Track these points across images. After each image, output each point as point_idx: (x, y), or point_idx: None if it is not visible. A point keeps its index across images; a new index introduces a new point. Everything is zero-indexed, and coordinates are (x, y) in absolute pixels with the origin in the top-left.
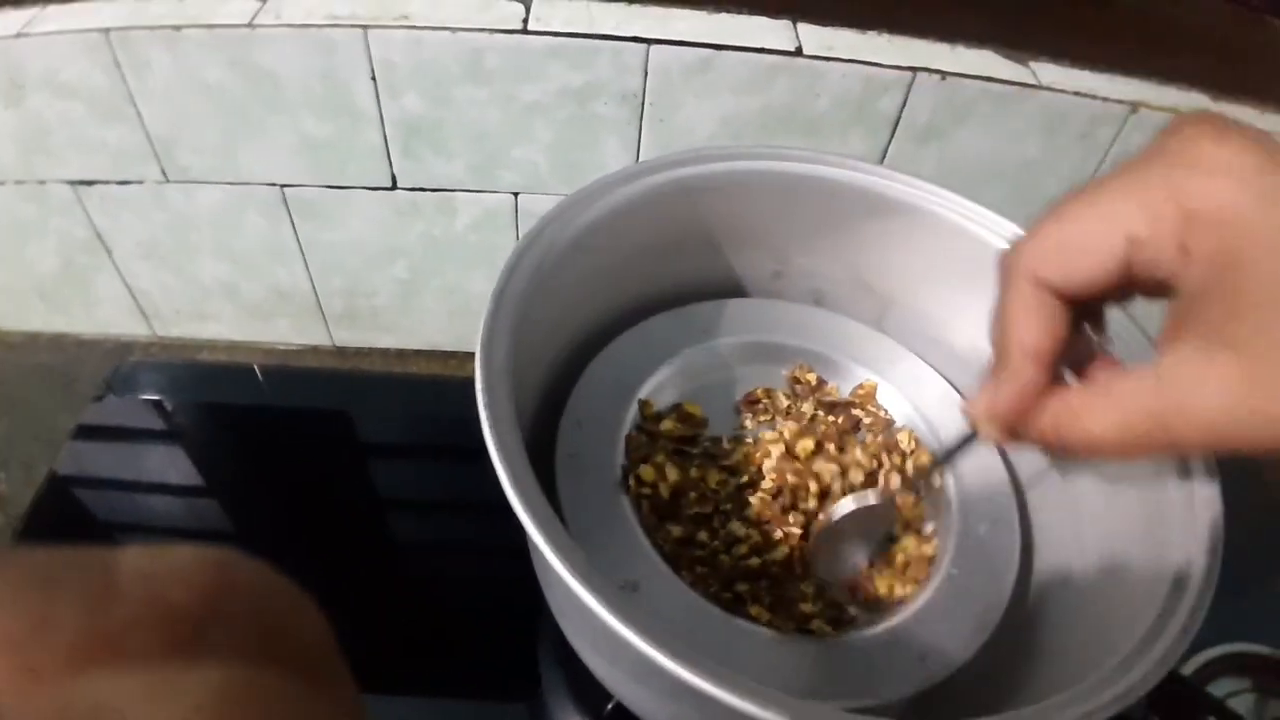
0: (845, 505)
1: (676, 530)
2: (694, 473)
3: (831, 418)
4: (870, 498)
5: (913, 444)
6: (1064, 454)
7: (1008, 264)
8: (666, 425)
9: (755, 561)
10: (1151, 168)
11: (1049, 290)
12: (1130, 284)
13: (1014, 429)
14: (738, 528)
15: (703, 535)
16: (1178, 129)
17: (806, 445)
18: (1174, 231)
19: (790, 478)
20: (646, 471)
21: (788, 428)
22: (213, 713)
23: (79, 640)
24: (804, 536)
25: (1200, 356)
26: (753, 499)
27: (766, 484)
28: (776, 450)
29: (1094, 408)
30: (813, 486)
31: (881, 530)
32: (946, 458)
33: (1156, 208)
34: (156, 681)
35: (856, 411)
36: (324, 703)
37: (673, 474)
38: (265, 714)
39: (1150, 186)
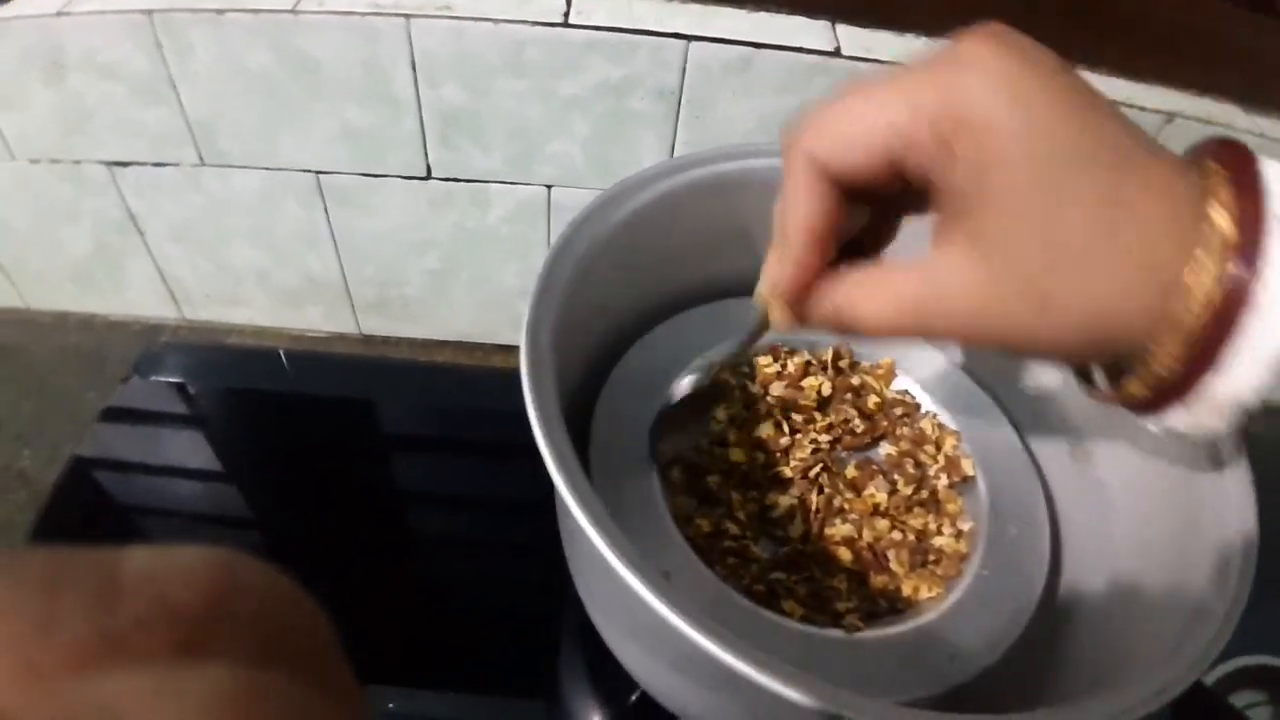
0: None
1: (705, 524)
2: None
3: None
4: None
5: (936, 431)
6: (844, 334)
7: (787, 141)
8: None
9: (786, 549)
10: (928, 66)
11: (823, 171)
12: (903, 178)
13: (799, 311)
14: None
15: (733, 527)
16: (962, 34)
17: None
18: (935, 127)
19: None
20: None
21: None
22: (216, 714)
23: (84, 640)
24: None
25: (958, 254)
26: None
27: (793, 490)
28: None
29: (869, 295)
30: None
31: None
32: (745, 348)
33: (921, 101)
34: (161, 682)
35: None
36: (327, 704)
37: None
38: (268, 715)
39: (920, 82)
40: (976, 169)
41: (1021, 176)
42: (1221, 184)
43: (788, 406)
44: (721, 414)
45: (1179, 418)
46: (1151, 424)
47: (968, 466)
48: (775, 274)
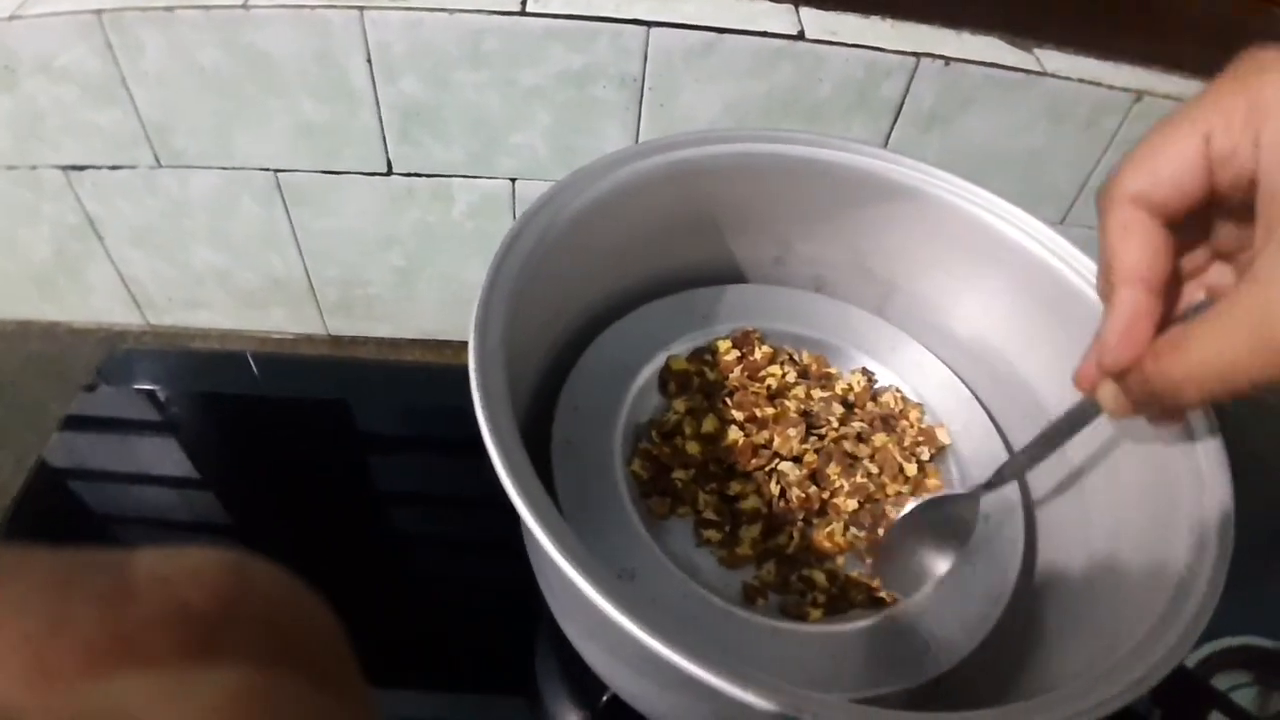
0: (907, 506)
1: (672, 519)
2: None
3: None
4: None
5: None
6: (1167, 404)
7: (1103, 194)
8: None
9: (755, 543)
10: (1223, 80)
11: (1144, 207)
12: (1220, 188)
13: (1135, 390)
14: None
15: (701, 521)
16: (1245, 54)
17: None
18: (1245, 123)
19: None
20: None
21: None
22: (227, 714)
23: (94, 641)
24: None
25: None
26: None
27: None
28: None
29: (1194, 332)
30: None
31: (958, 527)
32: (1059, 440)
33: (1228, 105)
34: (171, 683)
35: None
36: (338, 705)
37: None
38: (279, 716)
39: (1222, 92)
40: None
41: None
42: None
43: (746, 395)
44: (680, 406)
45: None
46: None
47: (943, 435)
48: (1103, 341)
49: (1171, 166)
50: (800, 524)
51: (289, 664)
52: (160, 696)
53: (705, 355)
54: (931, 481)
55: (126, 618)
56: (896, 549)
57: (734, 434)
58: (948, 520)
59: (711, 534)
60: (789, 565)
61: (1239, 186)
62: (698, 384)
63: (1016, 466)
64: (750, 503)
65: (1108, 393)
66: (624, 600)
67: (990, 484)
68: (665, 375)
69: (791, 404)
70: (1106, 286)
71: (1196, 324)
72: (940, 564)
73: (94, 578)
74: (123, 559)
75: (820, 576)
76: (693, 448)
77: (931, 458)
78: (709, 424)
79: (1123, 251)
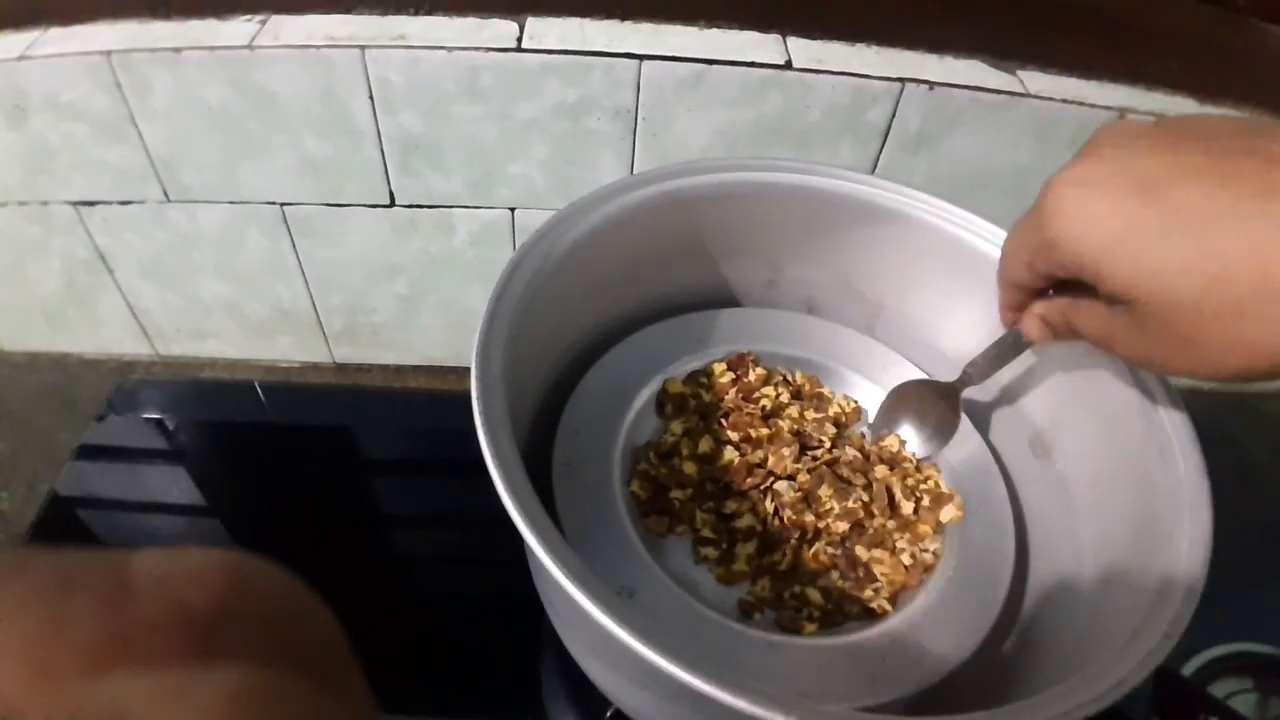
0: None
1: (669, 538)
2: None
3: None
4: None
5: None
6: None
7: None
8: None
9: (750, 560)
10: (1035, 211)
11: (1011, 282)
12: (1060, 278)
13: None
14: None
15: (698, 539)
16: (1063, 171)
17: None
18: (1050, 252)
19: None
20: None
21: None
22: (226, 715)
23: (95, 641)
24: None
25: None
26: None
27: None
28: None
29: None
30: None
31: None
32: (1012, 352)
33: (1034, 241)
34: (171, 683)
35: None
36: (337, 704)
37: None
38: (278, 715)
39: (1034, 225)
40: (1091, 278)
41: (1120, 282)
42: None
43: (740, 416)
44: (677, 427)
45: None
46: None
47: (952, 509)
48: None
49: (1016, 274)
50: (794, 542)
51: (288, 663)
52: (160, 696)
53: (701, 378)
54: (923, 528)
55: (126, 618)
56: (885, 412)
57: (729, 454)
58: (933, 406)
59: (709, 551)
60: (783, 581)
61: (1069, 275)
62: (694, 406)
63: (981, 368)
64: (745, 521)
65: (1030, 325)
66: (625, 616)
67: (962, 381)
68: (662, 398)
69: (785, 424)
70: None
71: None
72: (925, 447)
73: (94, 578)
74: (122, 560)
75: (815, 593)
76: (689, 468)
77: (930, 505)
78: (705, 444)
79: (1000, 297)
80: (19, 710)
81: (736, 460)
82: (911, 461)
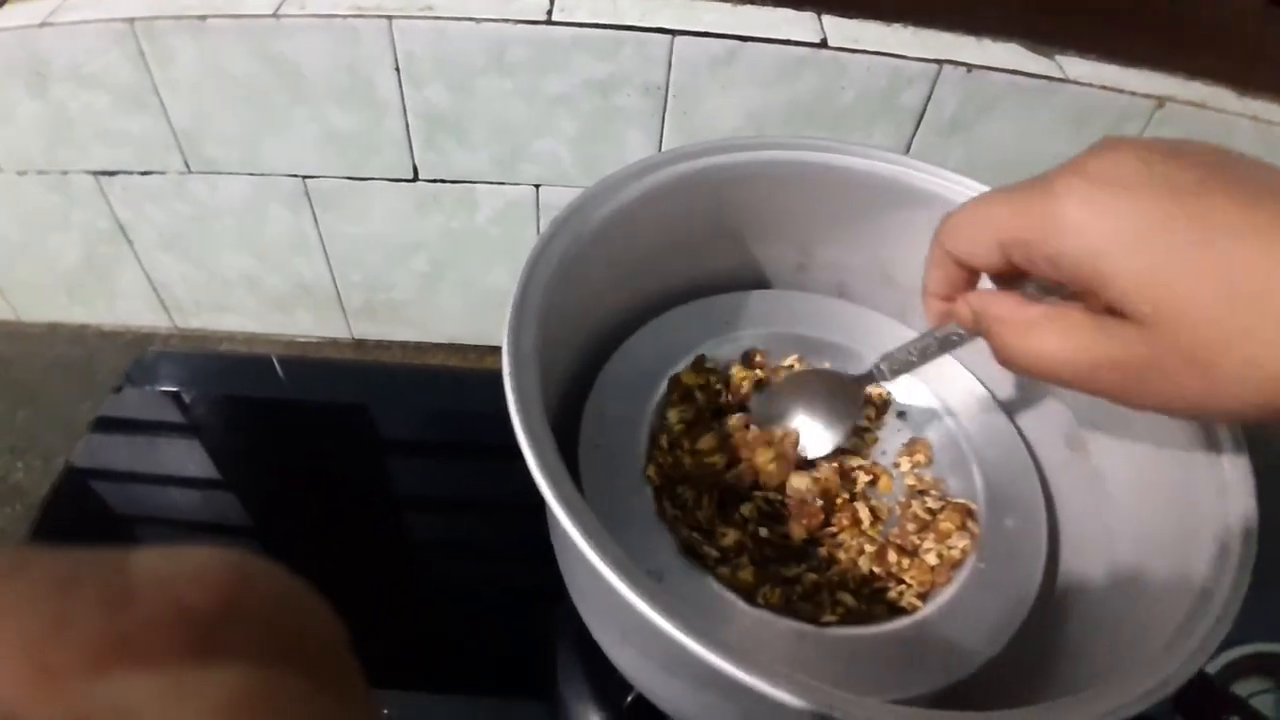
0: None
1: (689, 526)
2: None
3: None
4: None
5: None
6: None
7: (938, 228)
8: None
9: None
10: (1032, 191)
11: (952, 258)
12: (1024, 275)
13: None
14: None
15: (731, 533)
16: (1063, 168)
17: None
18: (1038, 248)
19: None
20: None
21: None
22: (228, 715)
23: (96, 641)
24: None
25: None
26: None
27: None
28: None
29: (1048, 330)
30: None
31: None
32: (931, 352)
33: (1027, 225)
34: (172, 683)
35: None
36: (337, 705)
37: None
38: (279, 715)
39: (1030, 209)
40: (1091, 282)
41: (1132, 289)
42: None
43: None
44: (674, 415)
45: None
46: None
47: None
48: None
49: (974, 253)
50: (811, 560)
51: (289, 664)
52: (161, 696)
53: (714, 373)
54: (946, 525)
55: (127, 618)
56: (776, 399)
57: (718, 457)
58: (833, 397)
59: (708, 550)
60: (793, 585)
61: (1040, 276)
62: (701, 399)
63: (895, 364)
64: (731, 538)
65: (964, 315)
66: (662, 602)
67: (869, 376)
68: (672, 385)
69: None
70: (924, 281)
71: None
72: (816, 442)
73: (95, 578)
74: (123, 559)
75: (846, 596)
76: (688, 461)
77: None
78: (705, 442)
79: (929, 277)
80: (19, 710)
81: (721, 462)
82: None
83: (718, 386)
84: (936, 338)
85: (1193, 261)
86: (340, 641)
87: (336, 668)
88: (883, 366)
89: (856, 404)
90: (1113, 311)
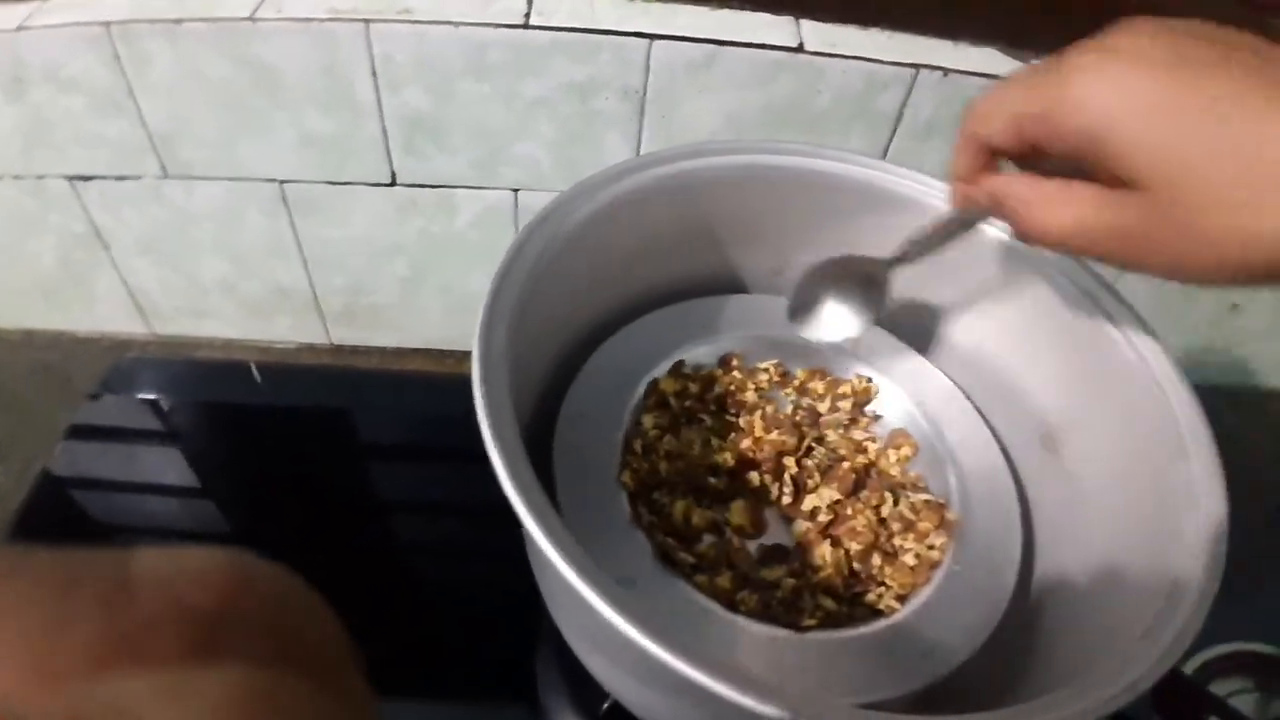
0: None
1: (663, 531)
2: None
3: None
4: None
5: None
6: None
7: (964, 111)
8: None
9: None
10: (1048, 69)
11: (975, 137)
12: (1040, 151)
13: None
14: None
15: (709, 539)
16: (1093, 39)
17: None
18: (1052, 121)
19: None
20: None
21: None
22: (228, 714)
23: (96, 641)
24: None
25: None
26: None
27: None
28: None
29: (1057, 200)
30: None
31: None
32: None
33: (1042, 98)
34: (172, 682)
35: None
36: (337, 704)
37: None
38: (279, 715)
39: (1046, 84)
40: (1103, 153)
41: (1142, 156)
42: None
43: (721, 407)
44: (649, 420)
45: None
46: None
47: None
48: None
49: (993, 130)
50: (794, 564)
51: (290, 663)
52: (161, 696)
53: (692, 379)
54: (924, 525)
55: (128, 618)
56: (808, 294)
57: (699, 450)
58: (861, 281)
59: (683, 556)
60: (772, 590)
61: (1056, 151)
62: (675, 405)
63: (921, 246)
64: (708, 543)
65: (978, 198)
66: (629, 610)
67: (899, 259)
68: (649, 390)
69: (773, 411)
70: (951, 166)
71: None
72: (850, 323)
73: (95, 578)
74: (124, 559)
75: (827, 600)
76: (665, 466)
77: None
78: (671, 444)
79: (954, 162)
80: (20, 709)
81: (703, 453)
82: (900, 472)
83: (695, 389)
84: (960, 219)
85: (1205, 137)
86: (340, 641)
87: (336, 668)
88: (908, 249)
89: (882, 290)
90: (1118, 183)
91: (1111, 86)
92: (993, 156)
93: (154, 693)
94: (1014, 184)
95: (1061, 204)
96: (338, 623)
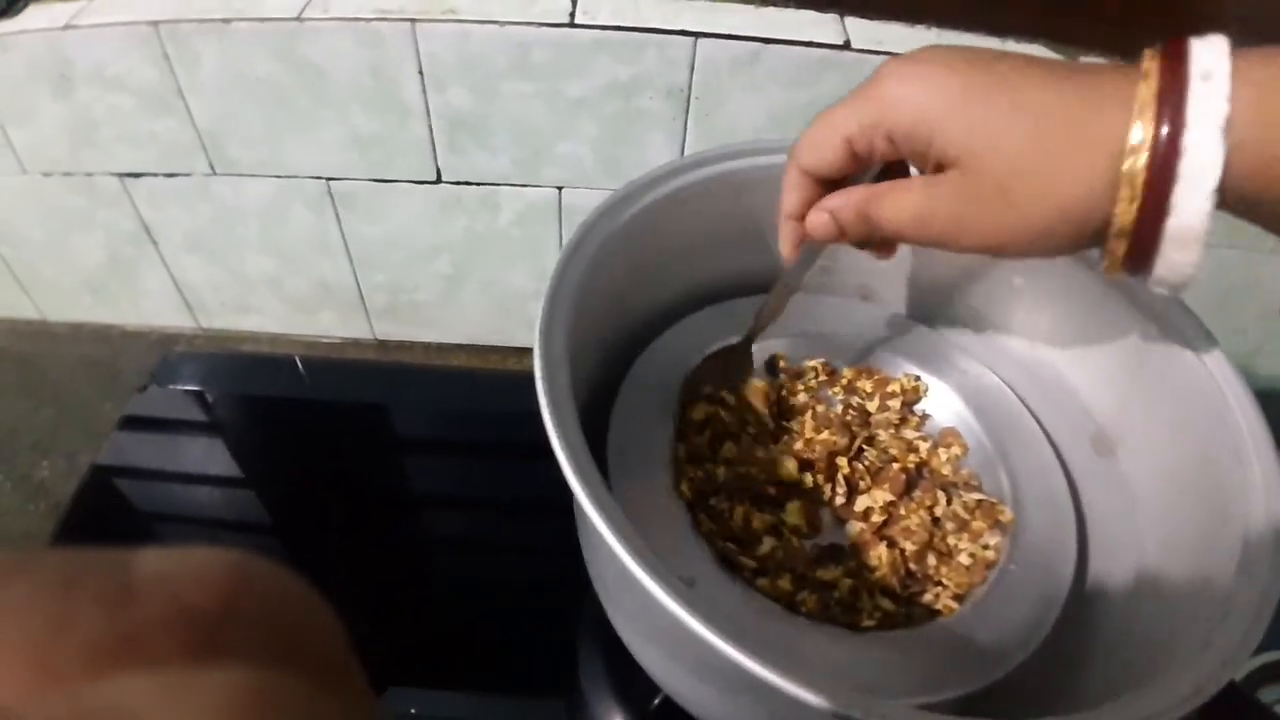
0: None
1: (720, 532)
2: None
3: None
4: None
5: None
6: (864, 232)
7: (790, 152)
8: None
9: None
10: (861, 90)
11: (807, 174)
12: (868, 163)
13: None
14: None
15: (769, 542)
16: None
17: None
18: (876, 124)
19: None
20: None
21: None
22: (229, 715)
23: (98, 641)
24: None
25: (943, 181)
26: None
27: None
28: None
29: (889, 199)
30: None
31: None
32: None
33: (862, 111)
34: (173, 683)
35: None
36: (339, 706)
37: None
38: (279, 715)
39: (860, 100)
40: (921, 146)
41: (957, 135)
42: (1154, 60)
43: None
44: (699, 412)
45: (1161, 267)
46: (1156, 287)
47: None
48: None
49: (823, 158)
50: (849, 563)
51: (291, 664)
52: (162, 696)
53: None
54: (979, 525)
55: (129, 618)
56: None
57: (776, 457)
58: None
59: (745, 561)
60: (830, 591)
61: (880, 155)
62: (724, 413)
63: (767, 315)
64: (767, 546)
65: (818, 221)
66: (695, 605)
67: (751, 335)
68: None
69: (824, 412)
70: (782, 208)
71: (890, 187)
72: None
73: (96, 578)
74: (125, 559)
75: (885, 601)
76: (721, 472)
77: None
78: (731, 450)
79: (786, 199)
80: (20, 710)
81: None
82: (952, 471)
83: (732, 403)
84: (800, 258)
85: (1008, 119)
86: (340, 641)
87: (337, 668)
88: (758, 324)
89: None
90: (940, 170)
91: (924, 83)
92: (820, 189)
93: (155, 693)
94: (852, 193)
95: (902, 192)
96: (338, 623)
